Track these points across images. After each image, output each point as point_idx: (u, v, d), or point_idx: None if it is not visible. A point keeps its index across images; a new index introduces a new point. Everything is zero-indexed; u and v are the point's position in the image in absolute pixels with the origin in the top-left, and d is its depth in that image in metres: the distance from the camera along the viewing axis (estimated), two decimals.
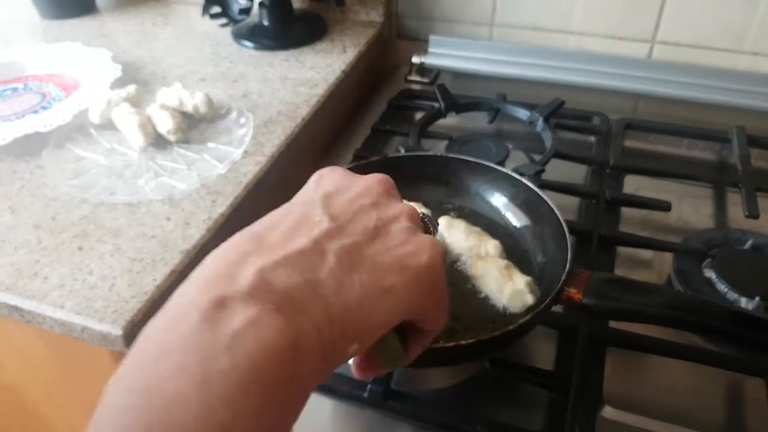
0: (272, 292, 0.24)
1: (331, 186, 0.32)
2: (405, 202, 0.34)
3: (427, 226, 0.38)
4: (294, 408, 0.24)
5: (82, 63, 0.81)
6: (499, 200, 0.60)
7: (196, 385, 0.21)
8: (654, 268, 0.61)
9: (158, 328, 0.24)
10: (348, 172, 0.35)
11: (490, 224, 0.58)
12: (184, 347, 0.22)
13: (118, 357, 0.54)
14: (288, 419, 0.24)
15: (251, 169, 0.63)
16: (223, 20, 0.88)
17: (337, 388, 0.49)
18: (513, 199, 0.59)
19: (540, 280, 0.52)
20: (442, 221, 0.56)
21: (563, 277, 0.46)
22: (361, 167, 0.61)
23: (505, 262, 0.51)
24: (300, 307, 0.25)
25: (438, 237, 0.55)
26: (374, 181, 0.33)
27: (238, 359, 0.22)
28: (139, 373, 0.22)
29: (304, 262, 0.26)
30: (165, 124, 0.66)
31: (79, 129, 0.69)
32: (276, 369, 0.23)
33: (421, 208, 0.55)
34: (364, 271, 0.27)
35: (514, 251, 0.55)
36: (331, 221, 0.29)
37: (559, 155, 0.70)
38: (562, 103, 0.77)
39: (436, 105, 0.79)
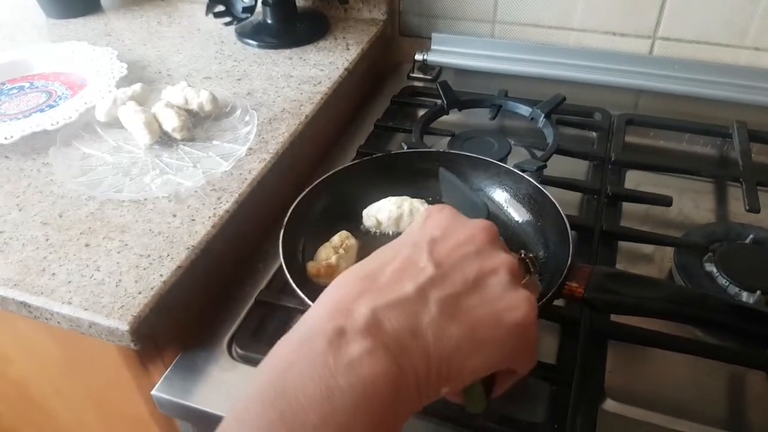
0: (382, 332, 0.28)
1: (437, 230, 0.34)
2: (506, 252, 0.36)
3: (528, 267, 0.39)
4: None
5: (87, 62, 0.82)
6: (501, 196, 0.60)
7: (322, 393, 0.26)
8: (655, 262, 0.61)
9: (289, 349, 0.28)
10: (455, 214, 0.37)
11: (492, 219, 0.58)
12: (312, 364, 0.27)
13: (125, 352, 0.54)
14: None
15: (256, 166, 0.64)
16: (227, 19, 0.89)
17: None
18: (515, 194, 0.59)
19: (542, 274, 0.52)
20: None
21: (565, 272, 0.46)
22: (364, 163, 0.62)
23: None
24: (404, 349, 0.28)
25: None
26: (479, 228, 0.35)
27: (353, 381, 0.26)
28: (275, 377, 0.27)
29: (410, 308, 0.29)
30: (170, 122, 0.66)
31: (85, 127, 0.69)
32: (381, 395, 0.27)
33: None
34: (461, 323, 0.30)
35: (516, 246, 0.55)
36: (436, 268, 0.31)
37: (560, 151, 0.70)
38: (564, 99, 0.77)
39: (439, 102, 0.80)
